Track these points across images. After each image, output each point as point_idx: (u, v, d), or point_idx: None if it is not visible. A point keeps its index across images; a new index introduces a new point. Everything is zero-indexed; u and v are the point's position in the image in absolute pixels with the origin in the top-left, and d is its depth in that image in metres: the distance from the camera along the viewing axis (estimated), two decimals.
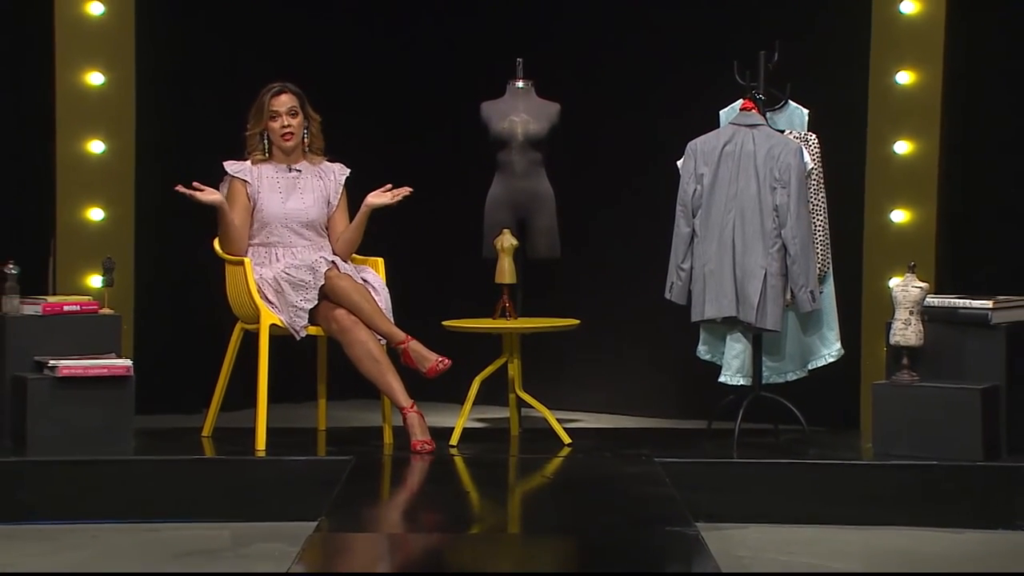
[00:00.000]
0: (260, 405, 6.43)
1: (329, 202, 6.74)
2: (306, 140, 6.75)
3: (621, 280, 7.98)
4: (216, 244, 6.68)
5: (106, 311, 6.71)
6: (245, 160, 6.72)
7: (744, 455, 6.37)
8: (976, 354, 6.32)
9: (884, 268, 7.13)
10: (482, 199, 7.18)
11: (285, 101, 6.69)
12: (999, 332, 6.30)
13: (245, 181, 6.66)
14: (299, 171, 6.72)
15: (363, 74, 8.44)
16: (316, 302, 6.45)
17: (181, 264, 7.81)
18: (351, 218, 6.74)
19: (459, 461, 6.36)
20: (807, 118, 6.77)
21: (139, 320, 7.48)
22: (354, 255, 6.76)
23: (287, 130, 6.68)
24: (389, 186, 6.67)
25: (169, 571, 5.36)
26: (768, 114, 6.67)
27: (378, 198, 6.67)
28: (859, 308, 7.21)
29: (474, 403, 6.74)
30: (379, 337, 6.45)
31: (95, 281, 7.17)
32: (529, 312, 7.04)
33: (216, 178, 6.76)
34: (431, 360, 6.38)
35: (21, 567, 5.41)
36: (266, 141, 6.72)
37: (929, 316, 6.37)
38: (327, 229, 6.76)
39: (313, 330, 6.51)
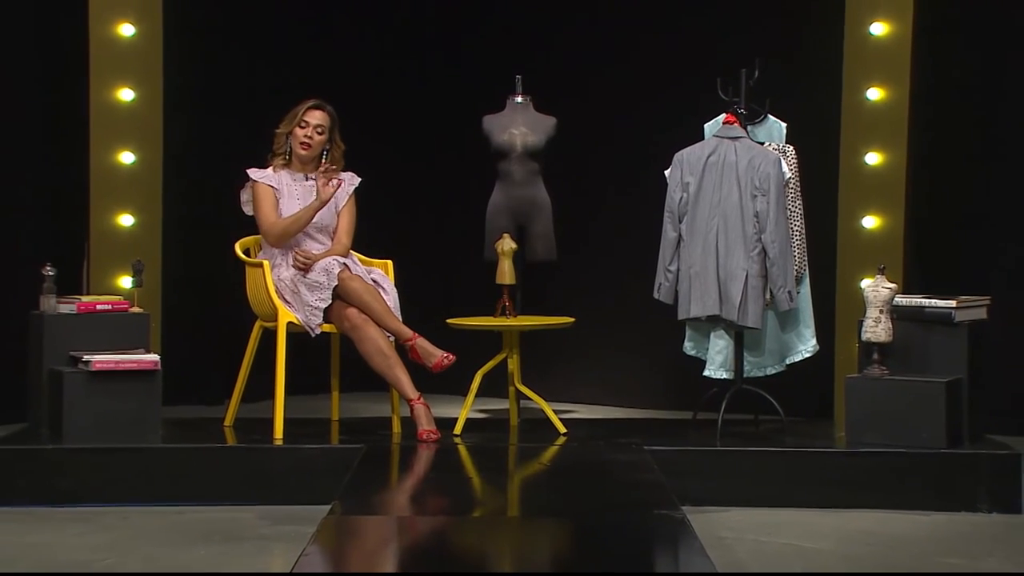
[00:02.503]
0: (278, 397, 6.42)
1: (338, 207, 6.74)
2: (325, 162, 6.73)
3: (613, 281, 7.99)
4: (237, 247, 6.68)
5: (135, 310, 6.70)
6: (266, 167, 6.71)
7: (727, 444, 6.35)
8: (941, 350, 6.31)
9: (856, 270, 7.13)
10: (484, 206, 7.17)
11: (318, 117, 6.67)
12: (962, 329, 6.30)
13: (271, 186, 6.66)
14: (314, 179, 6.70)
15: (375, 91, 8.45)
16: (330, 301, 6.45)
17: (205, 266, 7.82)
18: (353, 223, 6.71)
19: (462, 449, 6.35)
20: (785, 131, 6.77)
21: (166, 318, 7.48)
22: (364, 257, 6.76)
23: (307, 140, 6.66)
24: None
25: (194, 550, 5.36)
26: (749, 127, 6.67)
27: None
28: (833, 307, 7.21)
29: (476, 395, 6.73)
30: (388, 334, 6.45)
31: (125, 282, 7.17)
32: (527, 311, 7.03)
33: (236, 185, 6.76)
34: (436, 355, 6.38)
35: (59, 546, 5.41)
36: (289, 145, 6.71)
37: (898, 314, 6.36)
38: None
39: (327, 328, 6.51)
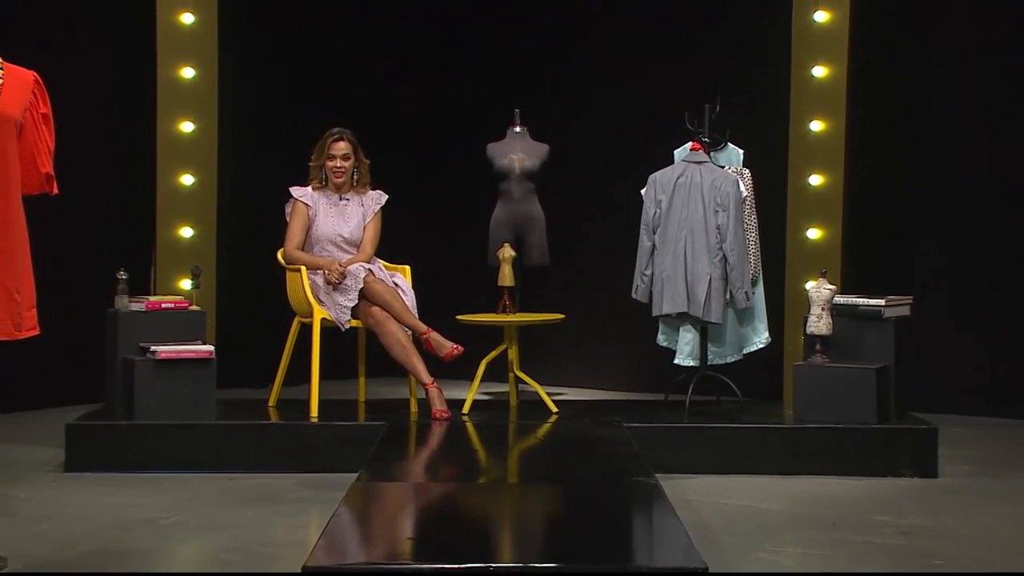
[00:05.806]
0: (313, 381, 6.42)
1: (366, 220, 6.74)
2: (356, 178, 6.75)
3: (597, 283, 7.98)
4: (280, 255, 6.70)
5: (194, 308, 6.70)
6: (307, 185, 6.73)
7: (693, 421, 6.35)
8: (872, 341, 6.32)
9: (802, 274, 7.14)
10: (487, 220, 7.18)
11: (341, 147, 6.67)
12: (889, 324, 6.32)
13: (307, 204, 6.68)
14: (348, 200, 6.72)
15: (396, 122, 8.46)
16: (357, 301, 6.45)
17: (252, 271, 7.82)
18: (377, 234, 6.72)
19: (470, 426, 6.34)
20: (742, 156, 6.77)
21: (220, 315, 7.48)
22: (385, 263, 6.77)
23: (338, 170, 6.67)
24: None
25: (243, 510, 5.37)
26: (712, 153, 6.67)
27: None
28: (782, 305, 7.21)
29: (481, 380, 6.72)
30: (406, 329, 6.45)
31: (186, 284, 7.18)
32: (525, 308, 7.02)
33: (279, 202, 6.78)
34: (447, 347, 6.38)
35: (131, 506, 5.43)
36: (324, 173, 6.73)
37: (836, 311, 6.37)
38: None
39: (354, 323, 6.51)
